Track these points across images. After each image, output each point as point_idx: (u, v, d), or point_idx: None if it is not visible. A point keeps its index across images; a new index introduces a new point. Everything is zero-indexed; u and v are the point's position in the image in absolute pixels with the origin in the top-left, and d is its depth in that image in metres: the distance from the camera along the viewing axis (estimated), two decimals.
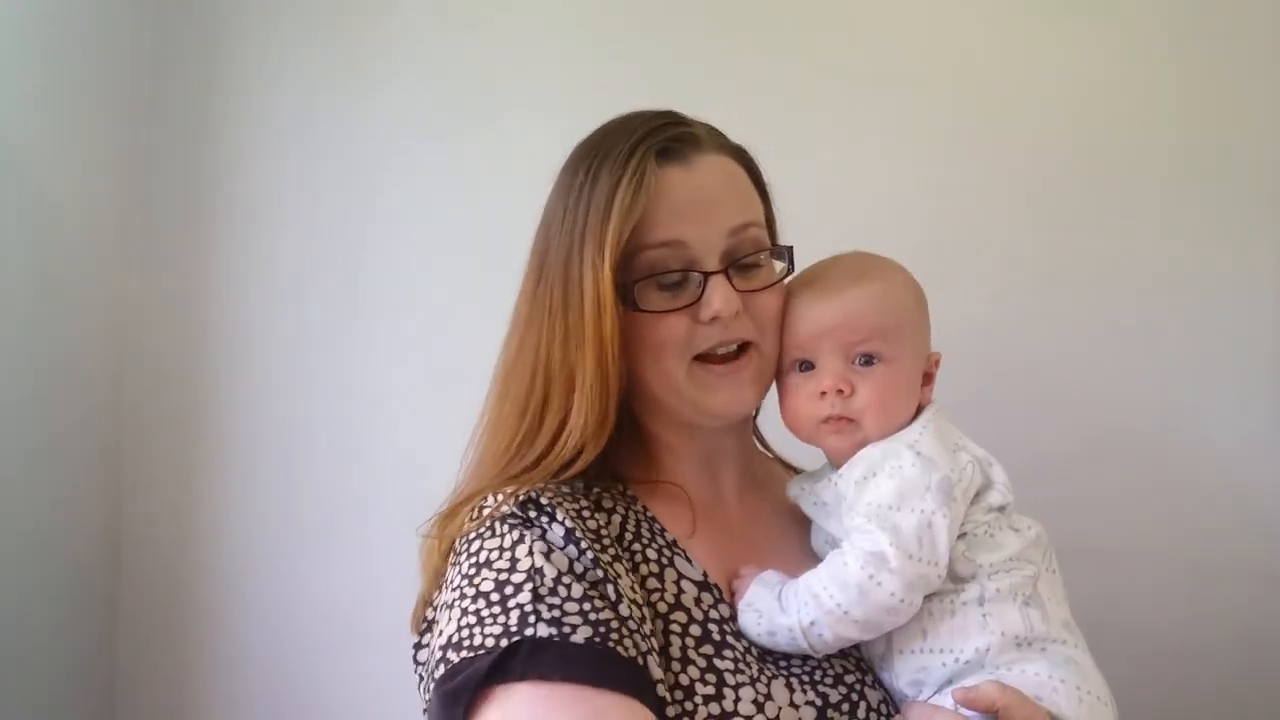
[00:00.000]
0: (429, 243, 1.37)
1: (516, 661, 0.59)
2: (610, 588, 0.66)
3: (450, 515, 0.75)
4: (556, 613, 0.62)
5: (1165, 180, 1.16)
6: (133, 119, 1.42)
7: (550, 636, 0.60)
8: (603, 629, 0.62)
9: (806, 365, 0.77)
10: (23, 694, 1.26)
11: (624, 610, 0.65)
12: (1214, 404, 1.15)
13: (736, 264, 0.76)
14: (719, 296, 0.73)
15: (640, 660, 0.62)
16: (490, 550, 0.68)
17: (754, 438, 0.90)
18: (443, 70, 1.37)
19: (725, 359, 0.76)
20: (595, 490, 0.76)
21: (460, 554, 0.70)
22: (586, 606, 0.63)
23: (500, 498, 0.71)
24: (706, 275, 0.74)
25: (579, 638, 0.61)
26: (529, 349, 0.77)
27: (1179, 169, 1.16)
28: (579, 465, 0.74)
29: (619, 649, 0.61)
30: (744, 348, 0.77)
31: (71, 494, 1.35)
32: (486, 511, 0.71)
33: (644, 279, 0.74)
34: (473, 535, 0.70)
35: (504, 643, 0.60)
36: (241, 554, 1.40)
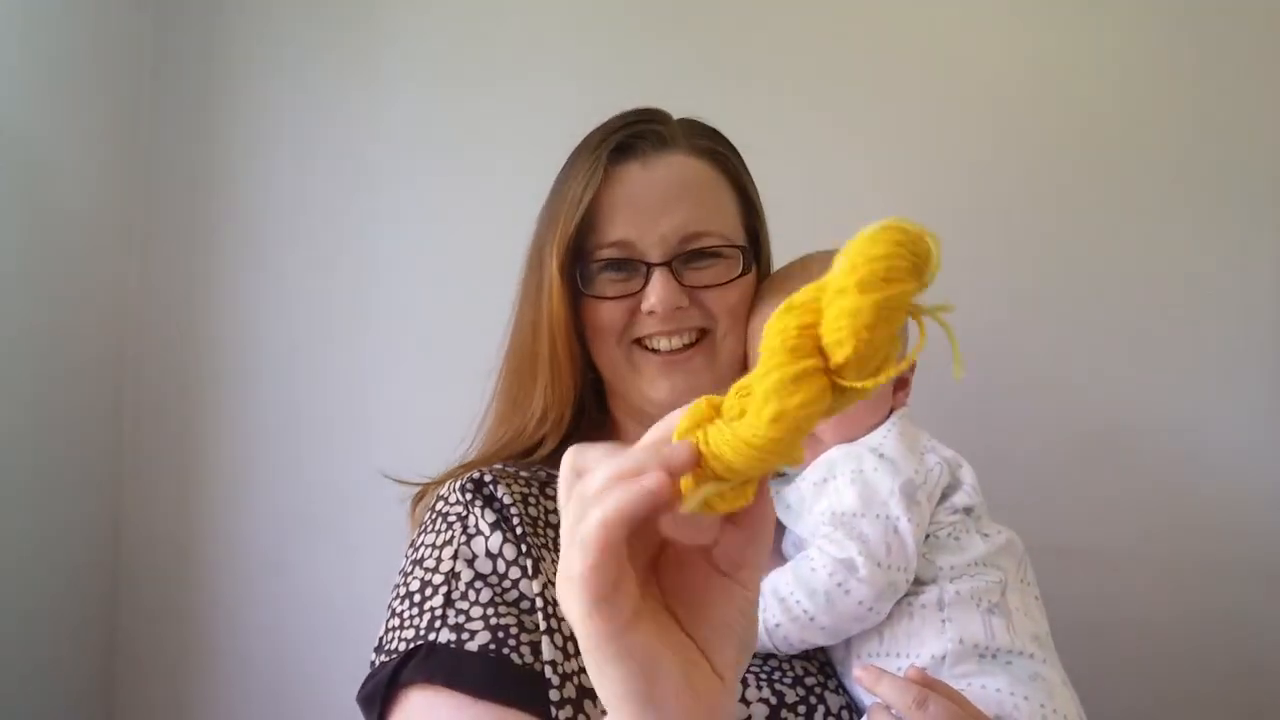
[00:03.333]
0: (429, 243, 1.37)
1: (413, 665, 0.62)
2: (530, 563, 0.68)
3: (419, 497, 0.79)
4: (461, 618, 0.64)
5: (1163, 181, 1.16)
6: (133, 119, 1.42)
7: (448, 643, 0.62)
8: (501, 634, 0.63)
9: None
10: (22, 694, 1.26)
11: (536, 587, 0.66)
12: (1213, 404, 1.15)
13: (685, 259, 0.76)
14: (656, 292, 0.74)
15: (536, 668, 0.63)
16: (426, 547, 0.70)
17: None
18: (443, 71, 1.38)
19: (671, 352, 0.77)
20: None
21: (409, 547, 0.73)
22: (490, 612, 0.64)
23: (451, 485, 0.74)
24: (650, 266, 0.75)
25: (474, 645, 0.62)
26: (512, 338, 0.82)
27: (1177, 170, 1.16)
28: (542, 451, 0.77)
29: (513, 656, 0.62)
30: (696, 341, 0.77)
31: (71, 494, 1.35)
32: (438, 505, 0.73)
33: (594, 264, 0.77)
34: (422, 527, 0.73)
35: (410, 646, 0.63)
36: (241, 554, 1.40)
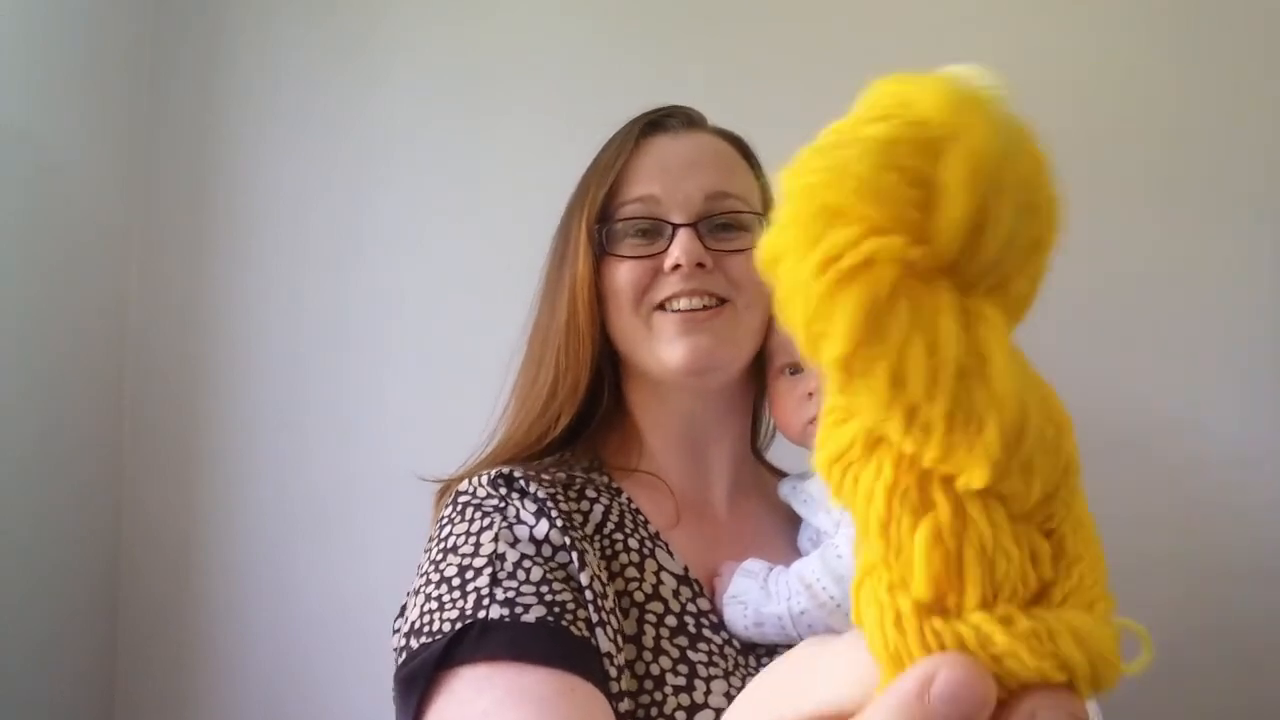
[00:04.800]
0: (431, 241, 1.38)
1: (467, 644, 0.60)
2: (575, 556, 0.67)
3: (445, 490, 0.78)
4: (512, 594, 0.62)
5: (1162, 179, 1.16)
6: (133, 116, 1.42)
7: (502, 618, 0.61)
8: (557, 609, 0.62)
9: (795, 369, 0.78)
10: (22, 694, 1.26)
11: (585, 579, 0.65)
12: (1212, 404, 1.15)
13: (710, 222, 0.78)
14: (680, 244, 0.76)
15: (592, 642, 0.62)
16: (458, 535, 0.69)
17: (750, 447, 0.90)
18: (444, 67, 1.38)
19: (690, 311, 0.76)
20: (579, 481, 0.77)
21: (432, 540, 0.71)
22: (544, 589, 0.63)
23: (474, 481, 0.73)
24: (675, 227, 0.76)
25: (530, 617, 0.61)
26: (538, 314, 0.83)
27: (1176, 167, 1.16)
28: (558, 429, 0.78)
29: (572, 628, 0.61)
30: (718, 305, 0.77)
31: (71, 494, 1.35)
32: (462, 499, 0.72)
33: (618, 224, 0.78)
34: (444, 521, 0.72)
35: (458, 626, 0.61)
36: (241, 554, 1.40)
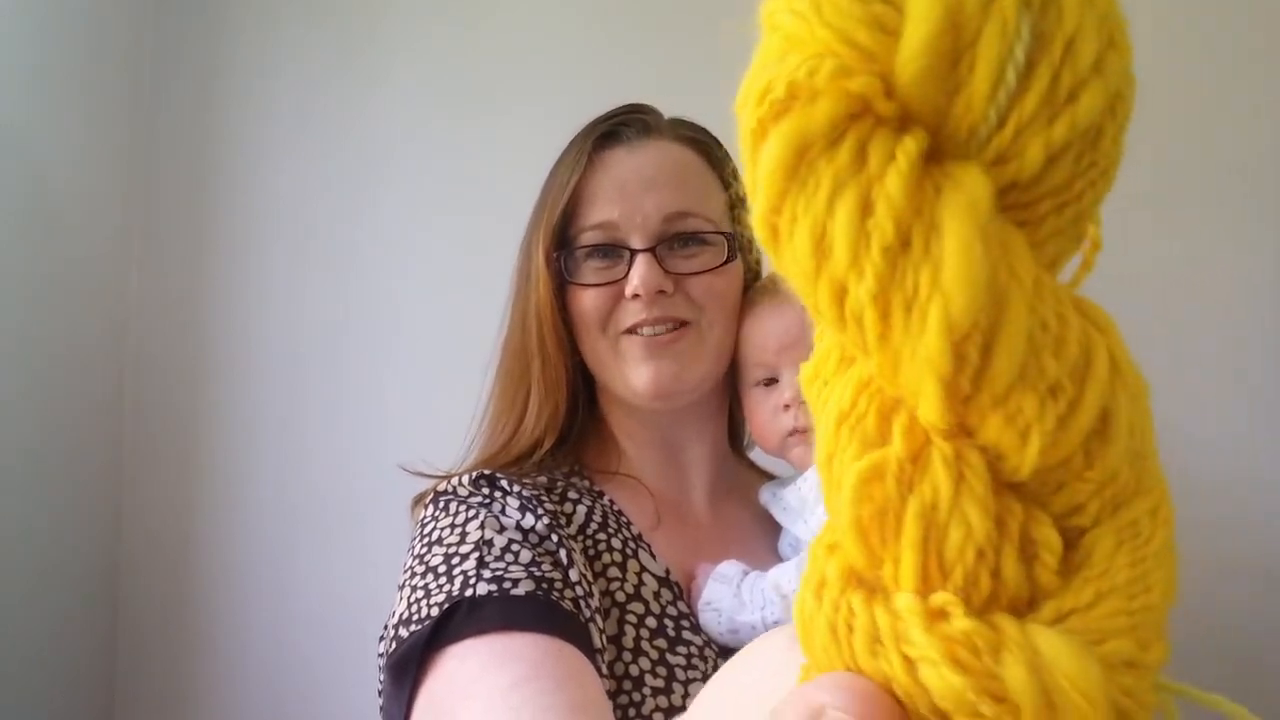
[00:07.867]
0: (430, 241, 1.38)
1: (455, 623, 0.59)
2: (563, 553, 0.66)
3: (422, 496, 0.78)
4: (500, 571, 0.62)
5: (1161, 178, 1.16)
6: (133, 117, 1.42)
7: (490, 593, 0.60)
8: (545, 584, 0.62)
9: (770, 380, 0.77)
10: (22, 694, 1.26)
11: (574, 575, 0.65)
12: (1211, 402, 1.15)
13: (670, 244, 0.76)
14: (638, 274, 0.74)
15: (581, 619, 0.62)
16: (442, 529, 0.68)
17: (730, 446, 0.89)
18: (443, 68, 1.38)
19: (654, 336, 0.76)
20: (560, 485, 0.77)
21: (414, 540, 0.71)
22: (533, 568, 0.63)
23: (455, 481, 0.73)
24: (633, 253, 0.75)
25: (520, 591, 0.61)
26: (506, 334, 0.82)
27: (1175, 167, 1.16)
28: (542, 450, 0.77)
29: (562, 603, 0.61)
30: (680, 327, 0.77)
31: (71, 493, 1.35)
32: (444, 497, 0.72)
33: (579, 251, 0.77)
34: (426, 519, 0.71)
35: (446, 607, 0.60)
36: (241, 554, 1.40)
